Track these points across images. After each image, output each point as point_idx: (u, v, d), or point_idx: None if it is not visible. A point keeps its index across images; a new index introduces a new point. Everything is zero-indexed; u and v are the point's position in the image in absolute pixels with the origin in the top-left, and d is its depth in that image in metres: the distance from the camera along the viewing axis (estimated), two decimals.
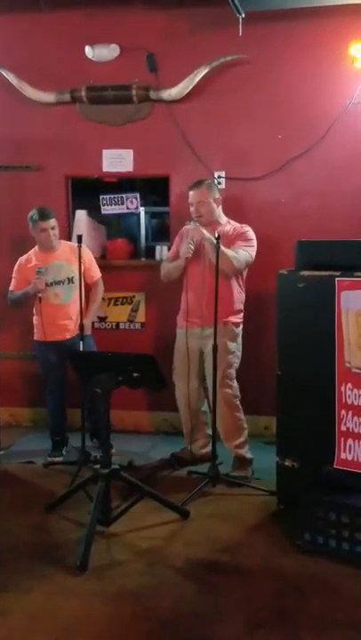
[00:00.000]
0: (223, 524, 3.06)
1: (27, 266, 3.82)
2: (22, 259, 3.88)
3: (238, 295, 3.66)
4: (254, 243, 3.62)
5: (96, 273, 3.96)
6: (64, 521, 3.06)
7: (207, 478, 3.37)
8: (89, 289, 3.93)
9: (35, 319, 3.91)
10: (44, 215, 3.75)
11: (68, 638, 2.24)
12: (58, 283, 3.79)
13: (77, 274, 3.75)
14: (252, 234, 3.64)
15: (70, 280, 3.80)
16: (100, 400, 3.00)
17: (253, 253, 3.60)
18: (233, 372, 3.63)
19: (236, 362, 3.65)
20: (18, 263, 3.88)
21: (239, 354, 3.67)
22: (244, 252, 3.56)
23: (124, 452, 3.74)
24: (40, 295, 3.73)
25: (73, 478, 3.41)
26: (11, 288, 3.86)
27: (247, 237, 3.61)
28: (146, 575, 2.62)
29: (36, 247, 3.89)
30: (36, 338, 3.91)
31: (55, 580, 2.57)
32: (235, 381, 3.63)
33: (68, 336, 3.80)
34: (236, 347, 3.62)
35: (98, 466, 2.99)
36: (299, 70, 4.06)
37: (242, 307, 3.67)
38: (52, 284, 3.77)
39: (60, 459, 3.84)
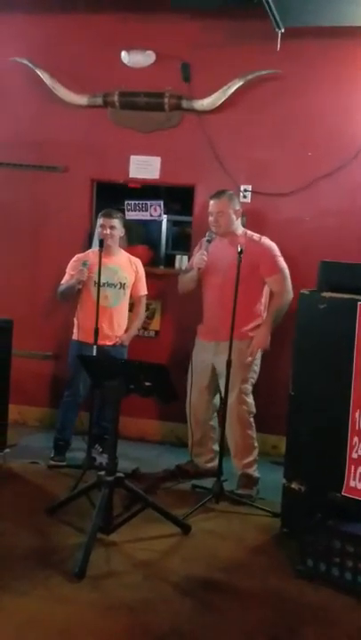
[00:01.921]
0: (224, 542, 3.02)
1: (77, 263, 3.82)
2: (77, 256, 3.90)
3: (259, 309, 3.61)
4: (281, 259, 3.59)
5: (143, 289, 3.98)
6: (64, 525, 3.04)
7: (211, 494, 3.34)
8: (132, 304, 3.97)
9: (76, 319, 3.90)
10: (107, 212, 3.83)
11: None
12: (110, 285, 3.77)
13: (130, 282, 3.83)
14: (275, 249, 3.60)
15: (122, 286, 3.82)
16: (110, 407, 2.98)
17: (287, 273, 3.58)
18: (250, 387, 3.58)
19: (254, 377, 3.61)
20: (72, 259, 3.89)
21: (257, 368, 3.62)
22: (284, 280, 3.54)
23: (128, 459, 3.70)
24: (79, 287, 3.74)
25: (76, 482, 3.38)
26: (62, 282, 3.87)
27: (276, 261, 3.57)
28: (142, 588, 2.58)
29: (96, 248, 3.86)
30: (75, 337, 3.89)
31: (51, 586, 2.54)
32: (251, 397, 3.59)
33: (107, 342, 3.77)
34: (253, 361, 3.58)
35: (102, 472, 2.96)
36: (333, 89, 4.04)
37: (261, 321, 3.62)
38: (104, 284, 3.73)
39: (62, 463, 3.80)
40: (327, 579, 2.68)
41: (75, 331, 3.91)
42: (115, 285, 3.82)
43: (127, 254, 3.98)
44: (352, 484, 2.81)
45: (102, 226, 3.81)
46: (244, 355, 3.52)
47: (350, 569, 2.63)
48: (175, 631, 2.32)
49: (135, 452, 4.00)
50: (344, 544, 2.65)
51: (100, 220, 3.83)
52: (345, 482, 2.82)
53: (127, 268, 3.87)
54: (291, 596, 2.60)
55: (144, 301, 4.01)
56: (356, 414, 2.81)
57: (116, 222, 3.83)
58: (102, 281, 3.69)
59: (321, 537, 2.70)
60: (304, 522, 2.78)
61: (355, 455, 2.81)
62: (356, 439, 2.81)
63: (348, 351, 2.83)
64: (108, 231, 3.79)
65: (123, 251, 3.97)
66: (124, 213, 4.45)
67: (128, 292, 3.88)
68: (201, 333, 3.72)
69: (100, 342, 3.68)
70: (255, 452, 3.59)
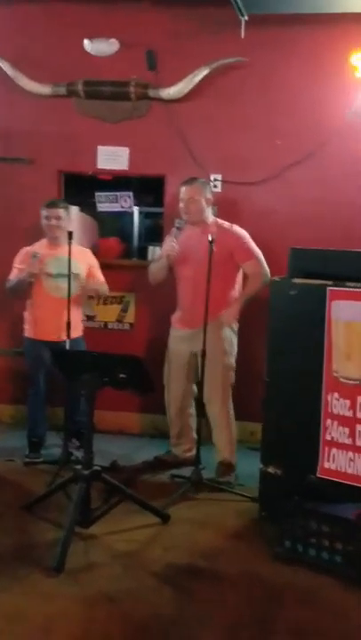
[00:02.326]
0: (203, 529, 3.03)
1: (27, 256, 3.74)
2: (25, 249, 3.82)
3: (233, 295, 3.62)
4: (253, 244, 3.61)
5: (102, 276, 3.92)
6: (42, 521, 3.02)
7: (190, 483, 3.35)
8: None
9: (26, 315, 3.84)
10: (51, 202, 3.75)
11: None
12: (63, 276, 3.70)
13: (83, 272, 3.76)
14: (246, 236, 3.61)
15: (75, 276, 3.73)
16: (84, 400, 2.97)
17: (261, 255, 3.59)
18: (232, 360, 3.60)
19: (234, 349, 3.63)
20: (20, 253, 3.81)
21: (235, 341, 3.64)
22: (260, 263, 3.56)
23: (106, 453, 3.69)
24: (32, 280, 3.66)
25: (53, 478, 3.36)
26: (9, 277, 3.78)
27: (250, 247, 3.58)
28: (123, 579, 2.58)
29: (44, 240, 3.83)
30: (27, 335, 3.83)
31: (31, 581, 2.53)
32: (233, 371, 3.62)
33: (63, 337, 3.73)
34: (230, 335, 3.59)
35: (79, 466, 2.95)
36: (300, 77, 4.04)
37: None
38: (56, 276, 3.70)
39: (39, 459, 3.77)
40: (305, 559, 2.71)
41: (26, 327, 3.83)
42: (67, 275, 3.73)
43: (77, 246, 3.87)
44: (326, 465, 2.85)
45: (47, 217, 3.73)
46: (222, 337, 3.54)
47: (327, 548, 2.67)
48: (157, 619, 2.33)
49: (114, 445, 3.99)
50: (320, 524, 2.68)
51: (44, 212, 3.73)
52: (320, 464, 2.86)
53: (78, 257, 3.76)
54: (271, 579, 2.63)
55: (106, 288, 3.93)
56: (329, 397, 2.85)
57: (62, 212, 3.76)
58: (54, 272, 3.67)
59: (298, 519, 2.73)
60: (281, 505, 2.81)
61: (328, 437, 2.85)
62: (329, 421, 2.85)
63: (320, 336, 2.87)
64: (54, 222, 3.73)
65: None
66: (95, 205, 4.44)
67: (81, 281, 3.78)
68: (176, 322, 3.72)
69: (54, 338, 3.66)
70: (235, 432, 3.63)
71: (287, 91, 4.06)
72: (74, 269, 3.71)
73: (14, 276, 3.75)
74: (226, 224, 3.65)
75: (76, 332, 3.78)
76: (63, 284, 3.67)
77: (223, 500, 3.33)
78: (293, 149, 4.06)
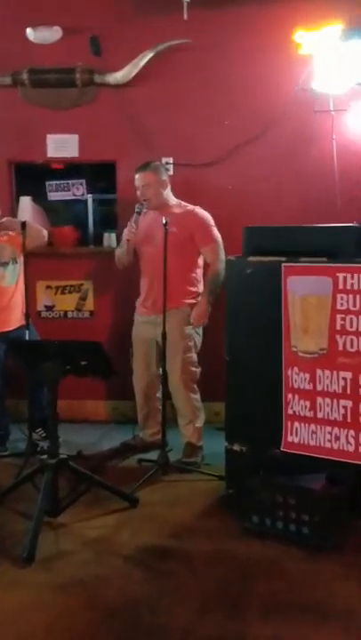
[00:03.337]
0: (172, 510, 3.06)
1: None
2: None
3: (195, 277, 3.62)
4: (215, 229, 3.60)
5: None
6: (11, 513, 3.00)
7: (157, 466, 3.37)
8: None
9: None
10: None
11: (15, 629, 2.19)
12: (2, 264, 3.68)
13: (19, 253, 3.68)
14: (209, 219, 3.61)
15: (14, 260, 3.70)
16: (47, 390, 2.95)
17: (221, 243, 3.58)
18: (193, 355, 3.60)
19: (197, 345, 3.62)
20: None
21: (199, 337, 3.63)
22: (218, 250, 3.55)
23: (73, 442, 3.68)
24: None
25: (20, 470, 3.34)
26: None
27: (211, 232, 3.58)
28: (94, 564, 2.59)
29: None
30: None
31: (1, 572, 2.52)
32: (196, 365, 3.61)
33: (13, 326, 3.70)
34: (192, 330, 3.59)
35: (45, 456, 2.94)
36: (245, 56, 4.05)
37: (200, 288, 3.63)
38: None
39: (5, 453, 3.75)
40: (274, 533, 2.75)
41: None
42: (7, 263, 3.72)
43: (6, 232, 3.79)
44: (290, 439, 2.90)
45: None
46: (183, 323, 3.53)
47: (294, 520, 2.72)
48: (129, 602, 2.34)
49: (80, 434, 3.98)
50: (286, 497, 2.73)
51: None
52: (283, 438, 2.91)
53: (13, 239, 3.71)
54: (241, 554, 2.66)
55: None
56: (289, 371, 2.89)
57: None
58: None
59: (264, 493, 2.77)
60: (248, 481, 2.85)
61: (290, 411, 2.90)
62: (290, 396, 2.90)
63: (277, 312, 2.90)
64: None
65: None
66: (46, 196, 4.38)
67: (22, 264, 3.72)
68: (139, 307, 3.72)
69: (7, 327, 3.64)
70: (202, 419, 3.64)
71: (234, 70, 4.07)
72: (11, 254, 3.69)
73: None
74: (189, 206, 3.65)
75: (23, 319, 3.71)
76: (4, 271, 3.65)
77: (191, 480, 3.36)
78: (243, 128, 4.08)
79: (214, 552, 2.69)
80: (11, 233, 3.72)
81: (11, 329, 3.69)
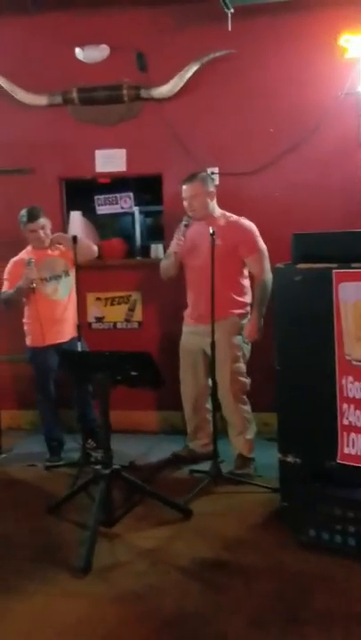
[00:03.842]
0: (226, 522, 3.03)
1: (19, 266, 3.77)
2: (14, 260, 3.84)
3: (242, 287, 3.61)
4: (260, 239, 3.58)
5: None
6: (66, 523, 3.04)
7: (209, 477, 3.35)
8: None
9: (27, 324, 3.86)
10: (32, 216, 3.74)
11: None
12: (56, 277, 3.77)
13: (70, 266, 3.77)
14: (254, 230, 3.59)
15: (67, 274, 3.79)
16: (99, 400, 2.98)
17: (266, 253, 3.56)
18: (242, 365, 3.57)
19: (246, 355, 3.60)
20: (9, 265, 3.84)
21: (248, 347, 3.61)
22: (263, 260, 3.53)
23: (124, 452, 3.70)
24: (33, 286, 3.67)
25: (74, 480, 3.38)
26: (2, 290, 3.81)
27: (255, 241, 3.55)
28: (149, 575, 2.59)
29: (28, 247, 3.87)
30: (30, 344, 3.84)
31: (58, 582, 2.55)
32: (245, 376, 3.58)
33: (67, 338, 3.76)
34: (241, 340, 3.57)
35: (99, 466, 2.97)
36: (289, 63, 4.04)
37: (247, 299, 3.62)
38: (50, 279, 3.75)
39: (59, 462, 3.81)
40: (331, 547, 2.70)
41: (28, 337, 3.85)
42: (60, 276, 3.80)
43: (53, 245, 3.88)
44: (346, 450, 2.83)
45: (34, 230, 3.75)
46: (232, 333, 3.52)
47: (353, 534, 2.65)
48: (184, 614, 2.33)
49: (130, 444, 4.01)
50: (345, 510, 2.67)
51: (29, 227, 3.74)
52: (339, 449, 2.84)
53: (65, 253, 3.80)
54: (296, 568, 2.62)
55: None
56: (343, 381, 2.83)
57: (43, 221, 3.78)
58: (47, 275, 3.73)
59: (321, 506, 2.72)
60: (303, 493, 2.80)
61: (346, 422, 2.83)
62: (345, 406, 2.83)
63: (329, 319, 2.84)
64: (42, 232, 3.77)
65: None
66: (95, 210, 4.47)
67: (73, 277, 3.79)
68: (187, 318, 3.73)
69: (60, 340, 3.70)
70: (253, 430, 3.61)
71: (278, 78, 4.06)
72: (63, 267, 3.78)
73: (7, 287, 3.77)
74: (234, 217, 3.64)
75: (76, 331, 3.79)
76: (58, 285, 3.73)
77: (243, 492, 3.33)
78: (288, 135, 4.06)
79: (270, 565, 2.66)
80: (62, 247, 3.80)
81: (64, 341, 3.75)
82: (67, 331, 3.75)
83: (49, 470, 3.74)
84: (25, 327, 3.88)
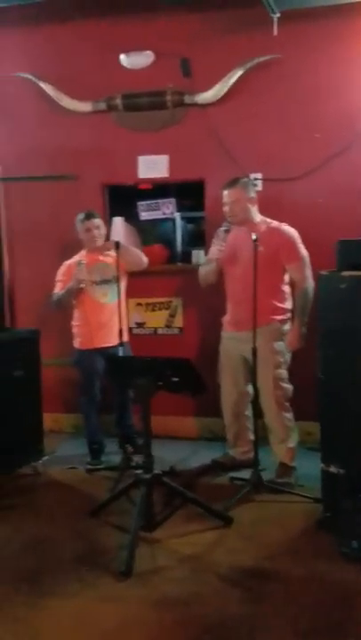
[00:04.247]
0: (267, 530, 3.01)
1: (71, 268, 3.84)
2: (67, 262, 3.92)
3: (283, 293, 3.59)
4: (302, 246, 3.54)
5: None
6: (107, 526, 3.07)
7: (249, 485, 3.33)
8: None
9: (76, 327, 3.92)
10: (89, 215, 3.86)
11: None
12: (106, 282, 3.82)
13: (124, 273, 3.83)
14: (296, 237, 3.55)
15: (117, 279, 3.83)
16: (140, 405, 3.00)
17: (308, 260, 3.53)
18: (284, 372, 3.55)
19: (287, 362, 3.57)
20: (62, 267, 3.91)
21: (289, 354, 3.58)
22: (304, 267, 3.50)
23: (163, 458, 3.71)
24: (82, 286, 3.75)
25: (115, 484, 3.42)
26: (54, 291, 3.88)
27: (297, 249, 3.51)
28: (190, 582, 2.59)
29: (82, 251, 3.93)
30: (78, 346, 3.91)
31: (100, 586, 2.57)
32: (287, 382, 3.56)
33: (113, 343, 3.79)
34: (283, 346, 3.55)
35: (139, 471, 2.99)
36: (335, 68, 4.00)
37: (288, 305, 3.59)
38: (100, 282, 3.82)
39: (100, 466, 3.84)
40: None
41: (76, 339, 3.91)
42: (110, 281, 3.83)
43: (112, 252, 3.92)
44: None
45: (88, 229, 3.83)
46: (273, 339, 3.50)
47: None
48: (225, 621, 2.32)
49: (170, 450, 4.02)
50: None
51: (84, 225, 3.83)
52: None
53: (114, 261, 3.82)
54: (338, 580, 2.58)
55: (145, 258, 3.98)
56: None
57: (99, 221, 3.87)
58: (97, 278, 3.78)
59: None
60: (346, 504, 2.76)
61: None
62: None
63: None
64: (96, 232, 3.84)
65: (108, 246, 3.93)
66: (138, 215, 4.51)
67: (124, 283, 3.86)
68: (227, 324, 3.71)
69: (108, 343, 3.73)
70: (295, 438, 3.58)
71: (323, 83, 4.03)
72: (114, 273, 3.80)
73: (59, 289, 3.85)
74: (274, 223, 3.61)
75: (125, 336, 3.85)
76: (108, 289, 3.76)
77: (284, 501, 3.29)
78: (333, 140, 4.02)
79: (312, 576, 2.62)
80: (113, 254, 3.85)
81: (111, 345, 3.77)
82: (113, 335, 3.78)
83: (90, 473, 3.79)
84: (74, 329, 3.94)
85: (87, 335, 3.84)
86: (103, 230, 3.91)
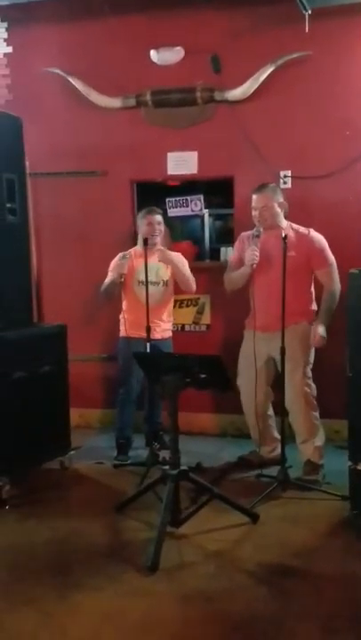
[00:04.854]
0: (294, 528, 3.00)
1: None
2: (121, 253, 3.92)
3: (310, 295, 3.60)
4: (330, 251, 3.54)
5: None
6: (134, 521, 3.09)
7: (276, 482, 3.33)
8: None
9: (123, 315, 3.94)
10: (152, 209, 3.90)
11: (139, 639, 2.25)
12: (152, 283, 3.80)
13: (171, 278, 3.88)
14: (324, 242, 3.54)
15: (165, 283, 3.89)
16: (168, 401, 3.01)
17: (335, 264, 3.53)
18: (310, 371, 3.56)
19: (311, 361, 3.58)
20: (115, 258, 3.91)
21: (313, 353, 3.57)
22: (333, 273, 3.51)
23: (191, 454, 3.71)
24: (122, 280, 3.79)
25: (142, 479, 3.43)
26: (105, 281, 3.91)
27: (326, 255, 3.52)
28: (217, 577, 2.60)
29: (137, 246, 3.94)
30: (122, 334, 3.94)
31: (126, 580, 2.59)
32: (312, 381, 3.56)
33: (157, 336, 3.81)
34: (310, 345, 3.54)
35: (166, 467, 3.00)
36: None
37: (314, 306, 3.60)
38: (151, 282, 3.81)
39: (127, 461, 3.87)
40: None
41: (122, 328, 3.94)
42: (157, 283, 3.86)
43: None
44: None
45: (150, 224, 3.84)
46: (300, 338, 3.49)
47: None
48: (253, 618, 2.33)
49: (196, 446, 4.02)
50: None
51: (147, 218, 3.85)
52: None
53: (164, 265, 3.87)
54: None
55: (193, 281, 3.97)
56: None
57: (161, 219, 3.89)
58: (144, 279, 3.73)
59: None
60: None
61: None
62: None
63: None
64: (157, 227, 3.85)
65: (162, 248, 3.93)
66: (165, 212, 4.51)
67: (171, 288, 3.90)
68: (251, 325, 3.68)
69: (145, 336, 3.73)
70: (322, 436, 3.56)
71: (354, 80, 3.98)
72: (163, 277, 3.85)
73: (109, 279, 3.89)
74: (302, 229, 3.59)
75: (167, 333, 3.94)
76: (152, 290, 3.76)
77: (311, 498, 3.28)
78: None
79: (340, 574, 2.61)
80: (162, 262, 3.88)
81: (153, 338, 3.74)
82: (157, 330, 3.80)
83: (117, 468, 3.81)
84: (120, 317, 3.97)
85: (129, 325, 3.86)
86: (162, 232, 3.92)
